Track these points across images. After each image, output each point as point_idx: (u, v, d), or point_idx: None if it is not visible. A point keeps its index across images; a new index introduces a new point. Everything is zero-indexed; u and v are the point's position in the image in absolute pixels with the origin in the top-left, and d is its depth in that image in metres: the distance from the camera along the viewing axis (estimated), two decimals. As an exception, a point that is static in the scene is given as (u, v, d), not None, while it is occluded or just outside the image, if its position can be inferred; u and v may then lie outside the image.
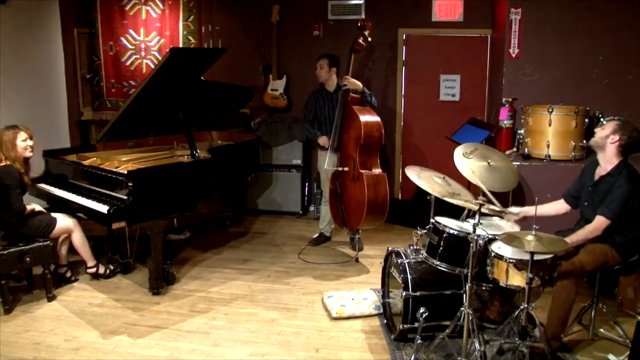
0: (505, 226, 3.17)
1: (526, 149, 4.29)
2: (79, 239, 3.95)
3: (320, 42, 5.83)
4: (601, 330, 3.23)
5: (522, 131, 4.44)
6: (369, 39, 4.41)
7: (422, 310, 2.99)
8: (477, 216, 2.74)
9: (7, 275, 3.63)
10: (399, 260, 3.14)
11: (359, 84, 4.40)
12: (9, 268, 3.61)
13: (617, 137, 2.97)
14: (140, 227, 3.87)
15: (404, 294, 3.02)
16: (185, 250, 4.79)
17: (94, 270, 4.08)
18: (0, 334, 3.29)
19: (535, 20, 4.62)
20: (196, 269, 4.39)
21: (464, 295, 2.83)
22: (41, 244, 3.67)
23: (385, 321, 3.42)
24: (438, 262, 2.95)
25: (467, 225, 3.02)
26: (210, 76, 4.39)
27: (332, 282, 4.16)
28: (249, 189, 5.77)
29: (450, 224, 2.99)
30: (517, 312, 2.82)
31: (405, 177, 3.69)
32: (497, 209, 2.99)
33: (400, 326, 3.07)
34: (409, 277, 3.05)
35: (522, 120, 4.39)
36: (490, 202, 2.98)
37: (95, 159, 4.19)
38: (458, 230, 2.90)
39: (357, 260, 4.57)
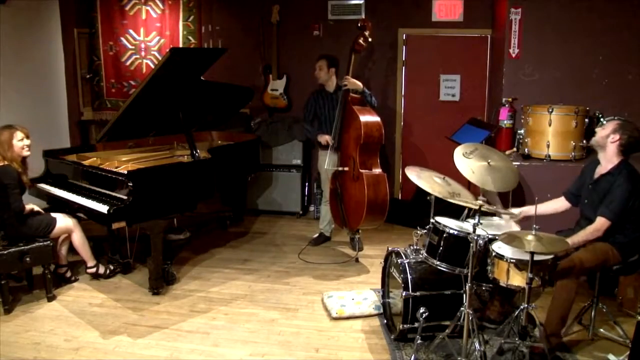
0: (505, 226, 3.17)
1: (526, 149, 4.29)
2: (79, 239, 3.95)
3: (320, 42, 5.84)
4: (601, 330, 3.23)
5: (522, 131, 4.44)
6: (369, 39, 4.41)
7: (422, 310, 2.99)
8: (477, 216, 2.74)
9: (7, 275, 3.63)
10: (399, 260, 3.14)
11: (359, 84, 4.40)
12: (9, 268, 3.61)
13: (617, 137, 2.98)
14: (140, 227, 3.87)
15: (404, 294, 3.02)
16: (185, 250, 4.79)
17: (94, 270, 4.08)
18: (0, 334, 3.29)
19: (535, 20, 4.62)
20: (196, 269, 4.39)
21: (464, 295, 2.82)
22: (41, 244, 3.67)
23: (385, 321, 3.42)
24: (438, 262, 2.95)
25: (467, 225, 3.02)
26: (210, 76, 4.39)
27: (332, 282, 4.16)
28: (249, 189, 5.77)
29: (450, 224, 2.98)
30: (517, 312, 2.82)
31: (405, 177, 3.69)
32: (499, 211, 3.00)
33: (400, 326, 3.07)
34: (409, 277, 3.05)
35: (522, 120, 4.39)
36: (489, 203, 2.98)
37: (95, 159, 4.19)
38: (458, 230, 2.90)
39: (357, 260, 4.57)
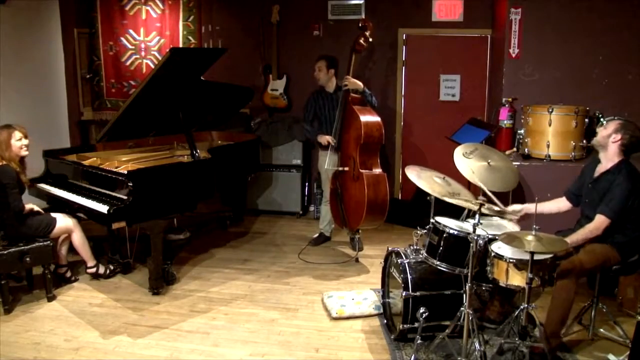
0: (505, 226, 3.17)
1: (526, 149, 4.29)
2: (79, 239, 3.95)
3: (320, 42, 5.84)
4: (601, 330, 3.23)
5: (522, 131, 4.44)
6: (370, 40, 4.41)
7: (422, 310, 2.99)
8: (477, 216, 2.74)
9: (7, 275, 3.63)
10: (399, 260, 3.14)
11: (360, 83, 4.41)
12: (9, 268, 3.61)
13: (619, 137, 2.98)
14: (140, 227, 3.87)
15: (404, 294, 3.02)
16: (185, 250, 4.79)
17: (94, 270, 4.08)
18: (0, 334, 3.29)
19: (535, 20, 4.62)
20: (196, 269, 4.39)
21: (464, 295, 2.82)
22: (41, 244, 3.67)
23: (385, 321, 3.42)
24: (438, 262, 2.95)
25: (467, 225, 3.02)
26: (210, 76, 4.39)
27: (332, 282, 4.16)
28: (249, 189, 5.77)
29: (450, 224, 2.99)
30: (517, 312, 2.82)
31: (405, 177, 3.69)
32: (498, 208, 2.99)
33: (400, 326, 3.06)
34: (409, 277, 3.05)
35: (522, 120, 4.39)
36: (491, 202, 2.97)
37: (95, 159, 4.19)
38: (458, 230, 2.90)
39: (357, 260, 4.57)
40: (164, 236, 3.88)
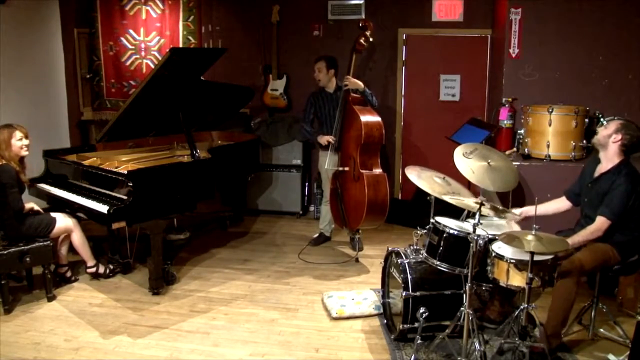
0: (505, 226, 3.17)
1: (526, 149, 4.29)
2: (78, 239, 3.95)
3: (320, 42, 5.83)
4: (601, 330, 3.23)
5: (522, 131, 4.44)
6: (371, 40, 4.41)
7: (422, 310, 2.99)
8: (477, 216, 2.74)
9: (7, 275, 3.63)
10: (399, 260, 3.14)
11: (360, 83, 4.41)
12: (9, 268, 3.61)
13: (619, 137, 2.98)
14: (140, 227, 3.87)
15: (404, 294, 3.02)
16: (185, 250, 4.79)
17: (94, 270, 4.08)
18: (0, 334, 3.29)
19: (535, 20, 4.62)
20: (196, 269, 4.39)
21: (464, 295, 2.82)
22: (41, 244, 3.67)
23: (385, 321, 3.42)
24: (438, 262, 2.95)
25: (467, 225, 3.02)
26: (210, 76, 4.40)
27: (332, 282, 4.16)
28: (249, 189, 5.78)
29: (450, 224, 2.99)
30: (517, 312, 2.81)
31: (405, 177, 3.69)
32: (499, 209, 2.99)
33: (400, 326, 3.06)
34: (409, 277, 3.05)
35: (522, 120, 4.39)
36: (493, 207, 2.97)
37: (95, 159, 4.19)
38: (458, 230, 2.90)
39: (357, 260, 4.57)
40: (164, 236, 3.88)
